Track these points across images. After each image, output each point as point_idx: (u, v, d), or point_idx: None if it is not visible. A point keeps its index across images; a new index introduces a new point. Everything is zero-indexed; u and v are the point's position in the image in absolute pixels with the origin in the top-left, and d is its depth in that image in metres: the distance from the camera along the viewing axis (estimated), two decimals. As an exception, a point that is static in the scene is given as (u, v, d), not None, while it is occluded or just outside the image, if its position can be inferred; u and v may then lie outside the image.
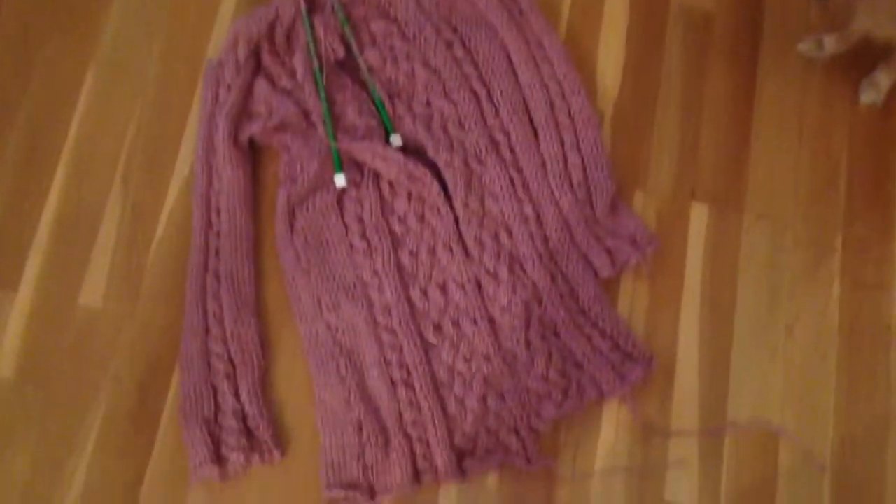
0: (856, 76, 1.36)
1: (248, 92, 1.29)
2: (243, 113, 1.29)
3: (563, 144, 1.29)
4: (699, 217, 1.30)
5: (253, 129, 1.28)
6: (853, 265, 1.28)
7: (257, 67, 1.31)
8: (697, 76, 1.37)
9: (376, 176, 1.27)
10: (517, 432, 1.16)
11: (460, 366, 1.19)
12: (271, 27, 1.31)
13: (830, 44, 1.34)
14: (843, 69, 1.37)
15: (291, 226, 1.25)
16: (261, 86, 1.29)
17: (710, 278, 1.27)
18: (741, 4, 1.39)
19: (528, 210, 1.26)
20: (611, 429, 1.19)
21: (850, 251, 1.29)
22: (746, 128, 1.35)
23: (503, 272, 1.22)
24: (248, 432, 1.16)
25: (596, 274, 1.23)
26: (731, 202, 1.31)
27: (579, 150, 1.29)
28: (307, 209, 1.26)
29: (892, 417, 1.21)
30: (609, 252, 1.23)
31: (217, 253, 1.24)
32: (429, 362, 1.20)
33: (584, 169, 1.28)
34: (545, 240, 1.25)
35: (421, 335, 1.21)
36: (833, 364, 1.24)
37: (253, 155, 1.31)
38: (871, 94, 1.33)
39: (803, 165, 1.33)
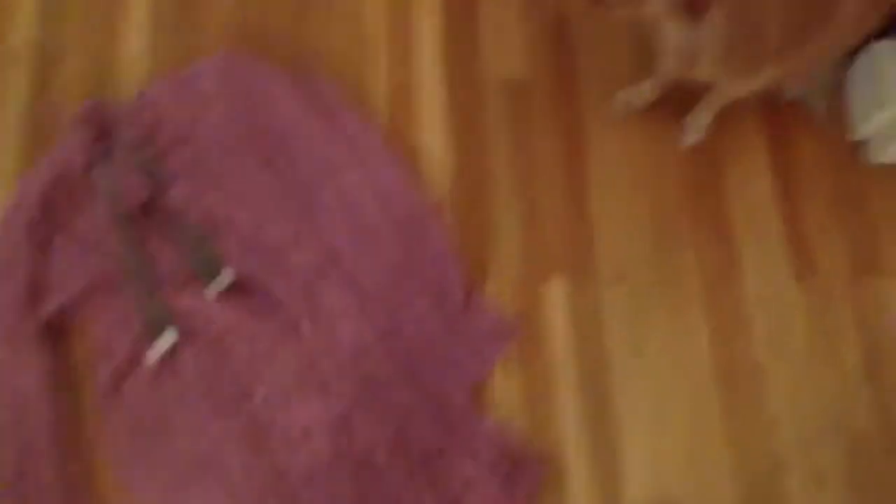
0: (675, 115, 1.35)
1: (43, 261, 1.14)
2: (40, 287, 1.13)
3: (405, 247, 1.20)
4: (556, 292, 1.25)
5: (55, 302, 1.12)
6: (714, 308, 1.26)
7: (53, 227, 1.16)
8: (526, 148, 1.33)
9: (207, 325, 1.13)
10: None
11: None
12: (62, 179, 1.17)
13: (647, 90, 1.32)
14: (661, 113, 1.35)
15: (118, 407, 1.09)
16: (59, 249, 1.14)
17: (579, 354, 1.21)
18: (554, 68, 1.37)
19: (382, 324, 1.16)
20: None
21: (710, 293, 1.26)
22: (582, 189, 1.31)
23: (367, 403, 1.10)
24: None
25: (466, 379, 1.15)
26: (584, 269, 1.26)
27: (424, 249, 1.21)
28: (134, 384, 1.10)
29: (781, 454, 1.19)
30: (473, 354, 1.16)
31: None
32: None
33: (432, 268, 1.20)
34: (406, 353, 1.15)
35: (290, 495, 1.07)
36: (716, 416, 1.21)
37: (59, 335, 1.15)
38: (693, 136, 1.33)
39: (643, 216, 1.30)
